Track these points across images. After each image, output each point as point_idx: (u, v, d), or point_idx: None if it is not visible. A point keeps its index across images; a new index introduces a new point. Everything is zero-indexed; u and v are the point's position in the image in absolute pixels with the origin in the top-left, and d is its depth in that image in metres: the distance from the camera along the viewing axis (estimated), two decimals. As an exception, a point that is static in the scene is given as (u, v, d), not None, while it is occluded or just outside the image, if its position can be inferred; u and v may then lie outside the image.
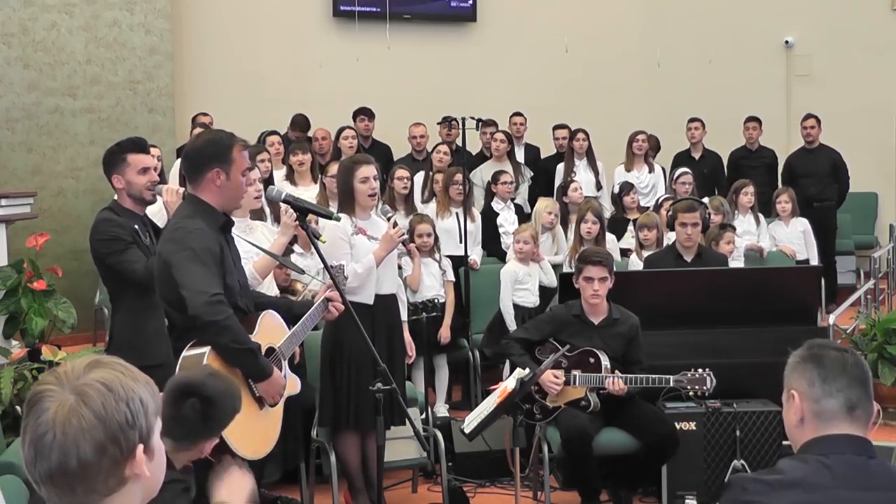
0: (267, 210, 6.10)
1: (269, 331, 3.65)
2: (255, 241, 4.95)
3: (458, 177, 7.30)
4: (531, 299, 6.68)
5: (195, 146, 3.69)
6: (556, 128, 9.56)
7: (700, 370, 4.82)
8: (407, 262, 6.48)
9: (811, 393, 2.18)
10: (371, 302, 4.83)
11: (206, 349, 3.36)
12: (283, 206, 4.78)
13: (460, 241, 7.10)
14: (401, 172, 7.27)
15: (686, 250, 6.10)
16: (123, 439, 1.49)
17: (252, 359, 3.44)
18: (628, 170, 8.84)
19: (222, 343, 3.37)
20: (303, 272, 4.70)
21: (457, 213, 7.25)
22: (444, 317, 6.51)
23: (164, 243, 3.52)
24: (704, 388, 4.80)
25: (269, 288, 5.19)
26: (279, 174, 7.46)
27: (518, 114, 9.54)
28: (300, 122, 9.14)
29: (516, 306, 6.64)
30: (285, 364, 3.70)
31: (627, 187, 8.16)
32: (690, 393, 4.85)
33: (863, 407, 2.18)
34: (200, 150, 3.61)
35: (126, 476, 1.51)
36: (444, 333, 6.47)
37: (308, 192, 6.96)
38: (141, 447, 1.52)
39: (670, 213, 6.36)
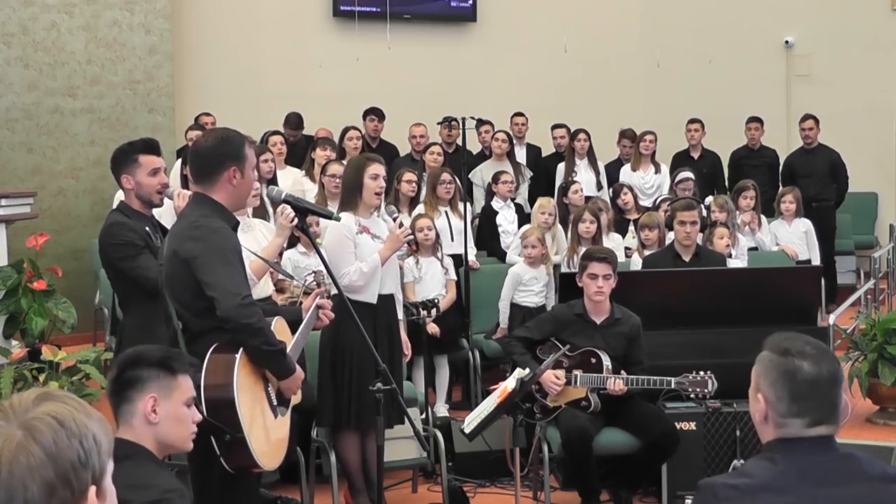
0: (270, 210, 6.10)
1: (281, 336, 3.63)
2: (253, 239, 4.96)
3: (445, 176, 7.30)
4: (533, 300, 6.71)
5: (207, 145, 3.56)
6: (554, 127, 9.55)
7: (702, 372, 4.81)
8: (407, 266, 6.48)
9: (778, 407, 2.15)
10: (375, 301, 4.83)
11: (236, 356, 3.28)
12: (278, 206, 4.77)
13: (451, 240, 7.11)
14: (409, 175, 7.28)
15: (684, 250, 6.10)
16: (75, 479, 1.37)
17: (282, 359, 3.42)
18: (634, 169, 8.85)
19: (255, 345, 3.31)
20: (292, 278, 4.70)
21: (446, 213, 7.25)
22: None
23: (182, 242, 3.39)
24: (706, 390, 4.79)
25: (265, 287, 5.19)
26: (287, 173, 7.46)
27: (519, 114, 9.55)
28: (293, 121, 9.11)
29: (517, 306, 6.69)
30: None
31: (619, 188, 8.17)
32: (692, 395, 4.85)
33: (829, 422, 2.16)
34: (214, 148, 3.50)
35: None
36: (432, 328, 6.13)
37: None
38: (93, 489, 1.39)
39: (668, 212, 6.36)
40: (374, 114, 9.25)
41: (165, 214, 4.60)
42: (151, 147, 4.28)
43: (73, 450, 1.37)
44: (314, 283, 4.52)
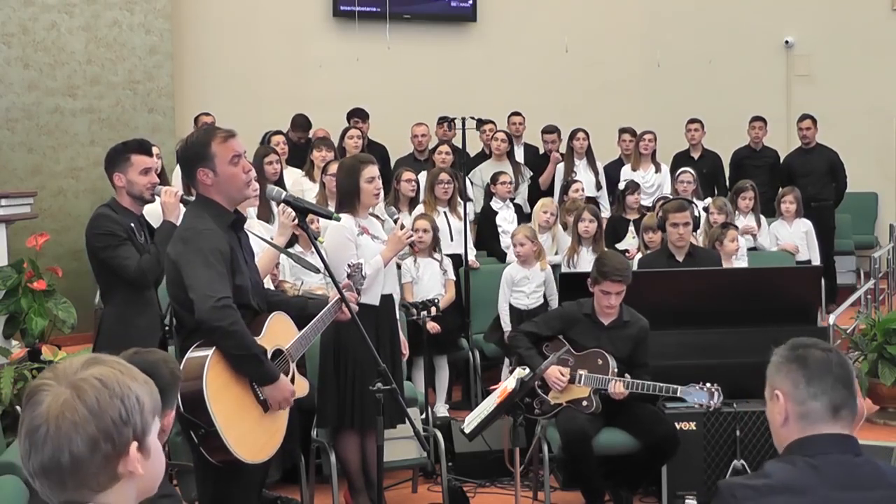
0: (275, 210, 6.10)
1: (278, 332, 3.63)
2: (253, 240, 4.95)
3: (444, 176, 7.30)
4: (525, 301, 6.70)
5: (179, 152, 3.75)
6: (544, 132, 9.40)
7: (708, 384, 4.73)
8: (405, 267, 6.47)
9: (796, 395, 2.18)
10: (377, 303, 4.82)
11: (209, 353, 3.35)
12: (279, 206, 4.80)
13: (451, 240, 7.11)
14: (408, 175, 7.27)
15: (678, 250, 6.08)
16: (116, 435, 1.50)
17: (257, 364, 3.43)
18: (634, 169, 8.85)
19: (226, 348, 3.38)
20: (318, 271, 4.68)
21: (445, 213, 7.25)
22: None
23: (174, 244, 3.52)
24: (711, 402, 4.73)
25: (266, 286, 5.18)
26: (288, 173, 7.46)
27: (516, 113, 9.52)
28: (301, 123, 9.11)
29: (511, 307, 6.69)
30: (293, 366, 3.69)
31: (633, 186, 8.14)
32: (695, 407, 4.80)
33: (848, 407, 2.18)
34: (183, 155, 3.65)
35: (119, 473, 1.52)
36: (432, 325, 6.06)
37: None
38: (135, 444, 1.52)
39: (660, 213, 6.31)
40: (357, 115, 9.22)
41: (154, 215, 4.66)
42: (144, 147, 4.46)
43: (115, 408, 1.50)
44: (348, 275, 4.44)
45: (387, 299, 4.93)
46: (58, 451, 1.47)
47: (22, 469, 1.54)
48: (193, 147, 3.58)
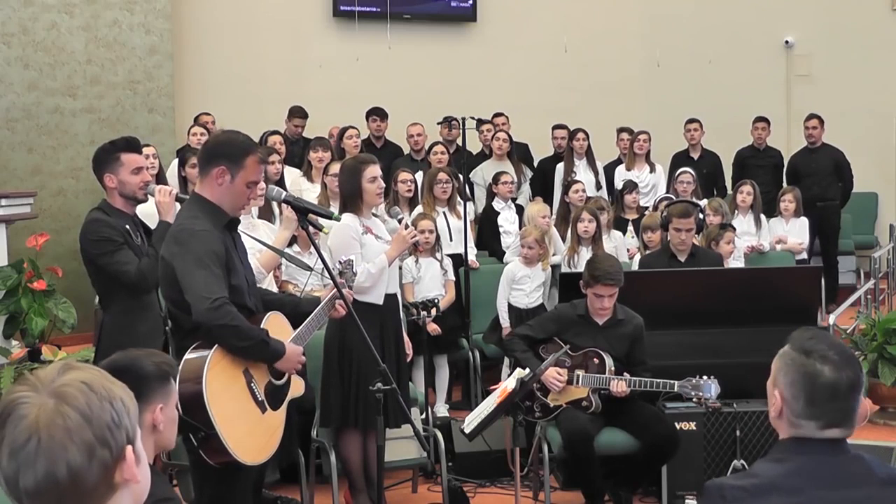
0: (276, 210, 6.10)
1: (274, 331, 3.64)
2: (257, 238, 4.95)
3: (442, 176, 7.30)
4: (524, 301, 6.70)
5: (213, 139, 3.72)
6: (555, 128, 9.51)
7: (705, 377, 4.77)
8: (406, 267, 6.47)
9: (794, 407, 2.13)
10: (381, 302, 4.82)
11: (208, 354, 3.35)
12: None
13: (451, 241, 7.11)
14: (404, 175, 7.26)
15: (680, 252, 6.09)
16: (112, 440, 1.40)
17: (264, 348, 3.47)
18: (629, 169, 8.85)
19: (230, 345, 3.39)
20: (310, 268, 4.68)
21: (444, 213, 7.25)
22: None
23: (167, 245, 3.50)
24: (709, 395, 4.75)
25: (269, 286, 5.18)
26: (286, 173, 7.46)
27: (499, 114, 9.51)
28: (299, 112, 9.14)
29: (510, 306, 6.69)
30: None
31: (631, 186, 8.15)
32: (694, 400, 4.82)
33: (844, 425, 2.13)
34: (216, 143, 3.62)
35: (116, 482, 1.42)
36: (433, 327, 6.09)
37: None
38: (130, 448, 1.43)
39: (664, 214, 6.32)
40: (377, 114, 9.24)
41: (150, 216, 4.62)
42: (133, 146, 4.34)
43: (107, 411, 1.40)
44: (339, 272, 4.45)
45: (391, 299, 4.93)
46: (52, 464, 1.35)
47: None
48: (232, 145, 3.56)
